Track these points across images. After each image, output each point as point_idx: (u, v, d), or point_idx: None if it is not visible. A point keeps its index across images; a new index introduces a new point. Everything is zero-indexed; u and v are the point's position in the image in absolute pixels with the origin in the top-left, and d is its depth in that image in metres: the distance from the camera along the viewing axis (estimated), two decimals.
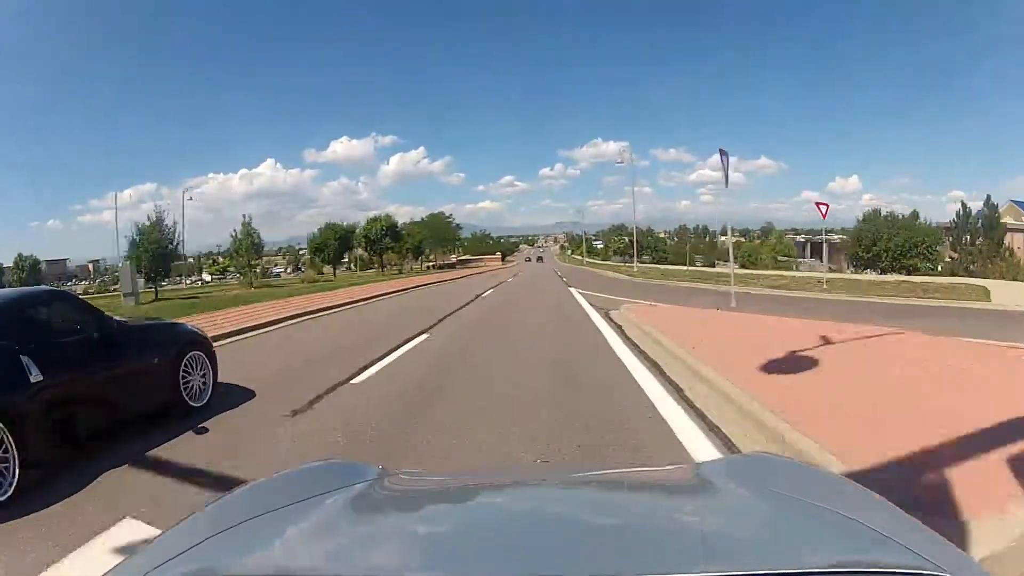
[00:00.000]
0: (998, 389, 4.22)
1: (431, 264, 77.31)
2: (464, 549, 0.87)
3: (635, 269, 40.93)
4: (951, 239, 40.03)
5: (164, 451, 4.07)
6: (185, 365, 4.89)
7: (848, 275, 31.08)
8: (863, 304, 15.11)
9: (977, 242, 37.20)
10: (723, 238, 72.28)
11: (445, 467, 3.56)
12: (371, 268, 66.30)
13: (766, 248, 69.21)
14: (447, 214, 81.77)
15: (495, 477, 1.54)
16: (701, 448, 3.69)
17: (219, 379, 5.40)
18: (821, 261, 33.53)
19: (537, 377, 6.04)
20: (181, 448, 4.15)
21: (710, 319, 10.11)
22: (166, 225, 30.38)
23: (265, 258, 63.79)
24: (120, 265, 30.18)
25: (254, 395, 5.58)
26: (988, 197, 38.31)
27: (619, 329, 9.43)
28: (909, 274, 28.98)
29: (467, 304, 15.68)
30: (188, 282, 52.40)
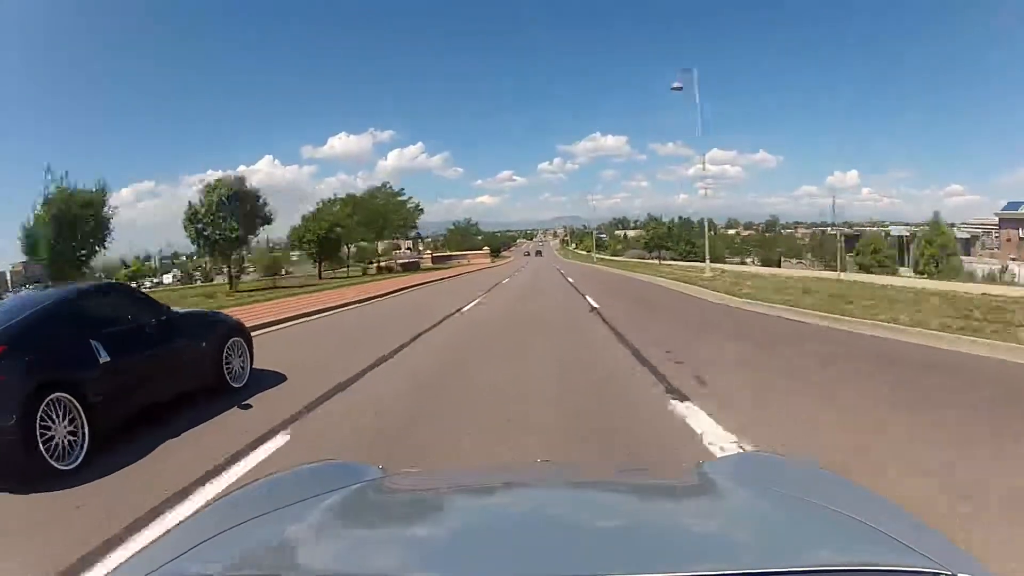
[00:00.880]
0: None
1: (378, 264, 50.28)
2: (464, 549, 0.87)
3: (711, 276, 19.68)
4: None
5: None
6: (227, 350, 5.44)
7: None
8: None
9: None
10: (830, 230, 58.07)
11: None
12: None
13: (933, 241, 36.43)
14: (395, 188, 53.93)
15: (495, 477, 1.54)
16: None
17: None
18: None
19: None
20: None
21: None
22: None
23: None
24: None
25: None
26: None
27: None
28: None
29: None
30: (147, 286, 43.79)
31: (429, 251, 73.07)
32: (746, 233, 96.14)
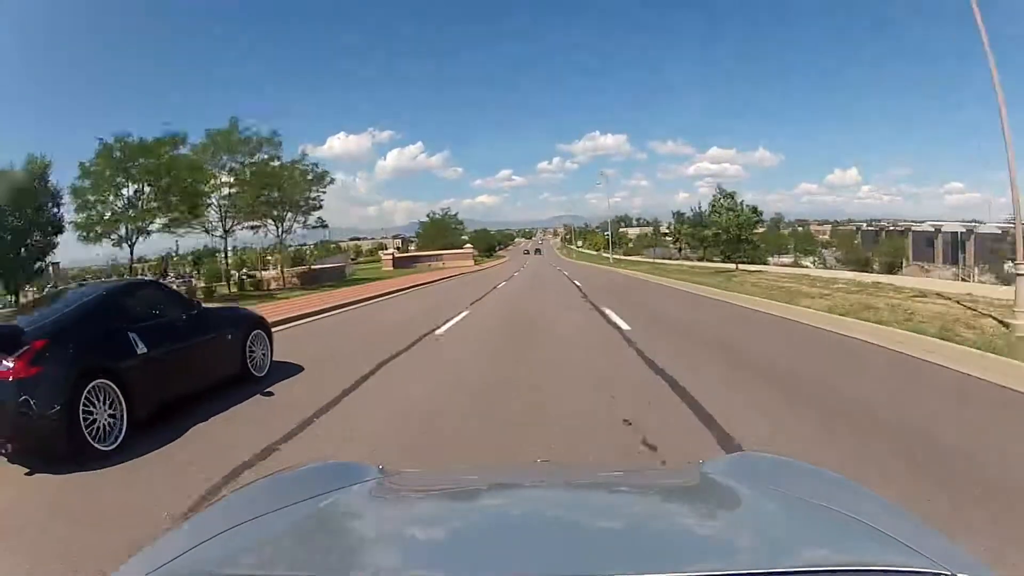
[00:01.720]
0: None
1: (250, 276, 31.48)
2: (464, 549, 0.87)
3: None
4: None
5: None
6: (250, 342, 5.80)
7: None
8: None
9: None
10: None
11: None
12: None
13: None
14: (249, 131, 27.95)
15: (495, 477, 1.55)
16: None
17: None
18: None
19: None
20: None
21: None
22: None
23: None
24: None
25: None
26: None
27: None
28: None
29: None
30: None
31: (392, 251, 54.65)
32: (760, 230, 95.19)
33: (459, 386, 5.52)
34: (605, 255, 61.77)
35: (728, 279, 18.12)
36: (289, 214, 29.84)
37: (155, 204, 23.07)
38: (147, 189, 22.98)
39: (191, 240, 30.28)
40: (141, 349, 4.44)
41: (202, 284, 31.24)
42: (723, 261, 28.27)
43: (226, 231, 27.50)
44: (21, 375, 3.81)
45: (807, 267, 36.86)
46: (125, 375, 4.26)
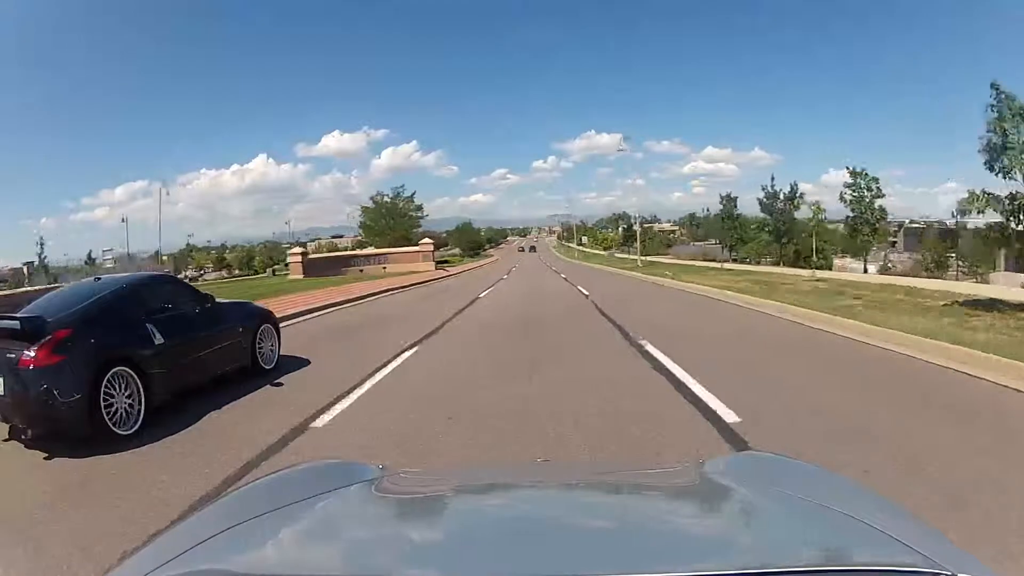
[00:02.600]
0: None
1: None
2: (464, 549, 0.87)
3: None
4: None
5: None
6: (260, 335, 5.97)
7: None
8: None
9: None
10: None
11: None
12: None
13: None
14: None
15: (495, 477, 1.55)
16: None
17: None
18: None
19: None
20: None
21: None
22: None
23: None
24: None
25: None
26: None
27: None
28: None
29: None
30: None
31: (299, 254, 35.26)
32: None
33: None
34: (619, 255, 55.67)
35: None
36: None
37: None
38: None
39: None
40: (158, 339, 4.61)
41: None
42: (793, 264, 23.26)
43: None
44: (43, 363, 3.98)
45: (892, 273, 26.69)
46: (143, 364, 4.43)
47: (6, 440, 4.26)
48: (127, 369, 4.30)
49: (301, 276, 32.50)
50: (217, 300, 5.76)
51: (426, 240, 41.09)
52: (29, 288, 18.51)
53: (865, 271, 26.38)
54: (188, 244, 64.28)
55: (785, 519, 0.98)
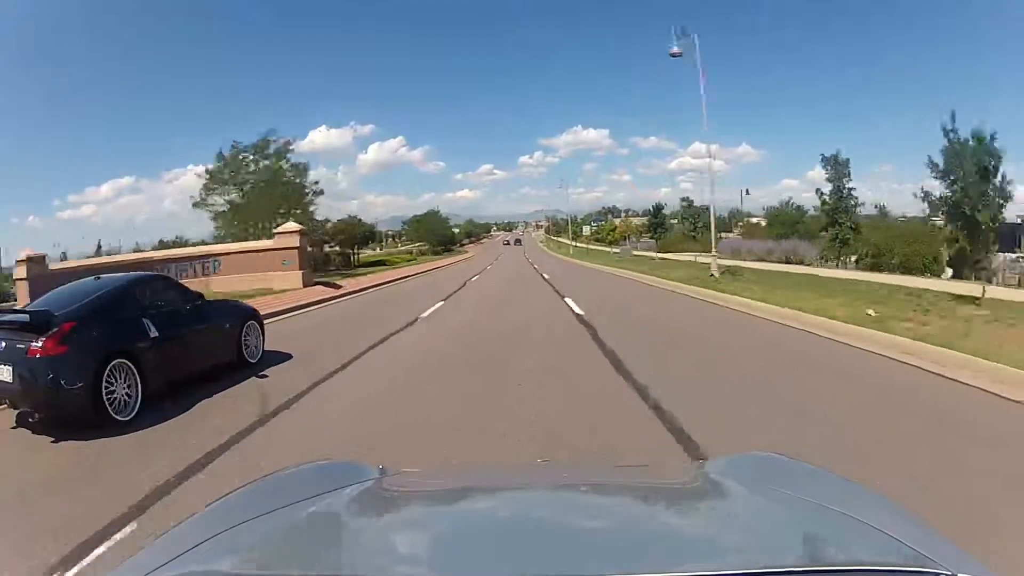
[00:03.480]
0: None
1: None
2: (464, 549, 0.87)
3: None
4: None
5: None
6: (245, 331, 6.46)
7: None
8: None
9: None
10: None
11: None
12: None
13: None
14: None
15: (495, 477, 1.55)
16: None
17: None
18: None
19: None
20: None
21: None
22: None
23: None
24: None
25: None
26: None
27: None
28: None
29: None
30: None
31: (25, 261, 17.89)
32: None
33: None
34: (639, 253, 40.03)
35: None
36: None
37: None
38: None
39: None
40: (153, 333, 5.10)
41: None
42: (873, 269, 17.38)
43: None
44: (51, 353, 4.45)
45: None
46: (140, 355, 4.91)
47: (14, 428, 4.72)
48: (126, 360, 4.78)
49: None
50: (206, 299, 6.25)
51: (288, 228, 21.24)
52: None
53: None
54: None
55: (785, 519, 0.98)
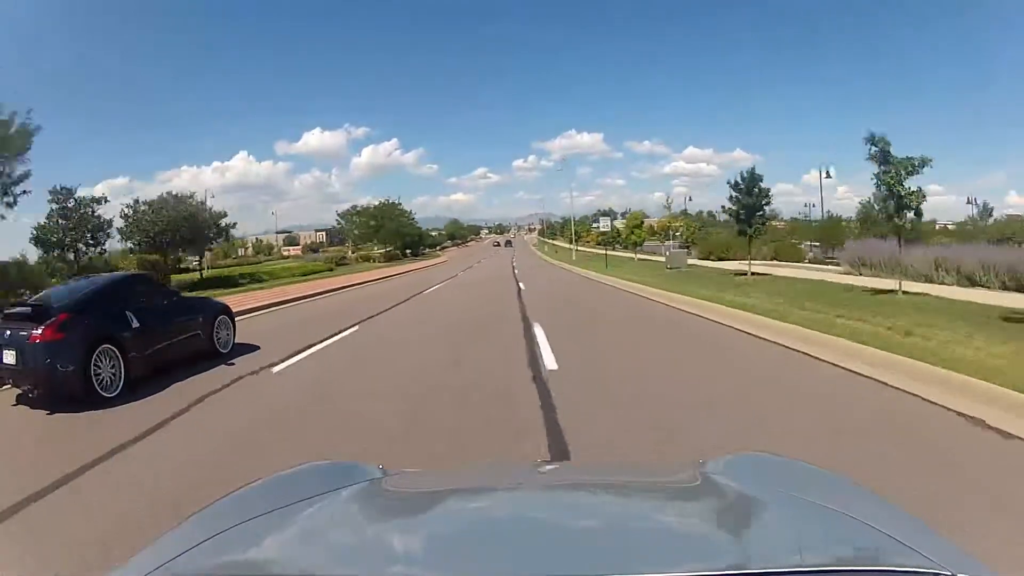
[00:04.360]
0: None
1: None
2: (464, 549, 0.88)
3: None
4: None
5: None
6: (217, 324, 7.42)
7: None
8: None
9: None
10: None
11: None
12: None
13: None
14: None
15: (495, 477, 1.56)
16: None
17: None
18: None
19: None
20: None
21: None
22: None
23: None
24: None
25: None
26: None
27: None
28: None
29: None
30: None
31: None
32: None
33: None
34: (658, 259, 27.66)
35: None
36: None
37: None
38: None
39: None
40: (135, 324, 6.05)
41: None
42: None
43: None
44: (48, 339, 5.39)
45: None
46: (123, 342, 5.86)
47: (14, 405, 5.65)
48: (111, 346, 5.73)
49: None
50: (183, 295, 7.21)
51: None
52: None
53: None
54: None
55: (785, 519, 0.98)
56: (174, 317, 6.77)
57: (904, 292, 10.27)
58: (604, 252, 34.03)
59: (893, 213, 10.01)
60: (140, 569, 0.82)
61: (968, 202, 32.56)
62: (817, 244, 30.47)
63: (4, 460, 4.25)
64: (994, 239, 24.38)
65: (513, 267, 31.23)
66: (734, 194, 16.25)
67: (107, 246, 26.24)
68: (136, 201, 28.23)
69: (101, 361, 5.62)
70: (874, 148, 10.02)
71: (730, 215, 17.00)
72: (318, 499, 1.10)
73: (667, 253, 25.98)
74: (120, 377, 5.77)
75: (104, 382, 5.61)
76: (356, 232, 62.65)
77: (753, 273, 16.34)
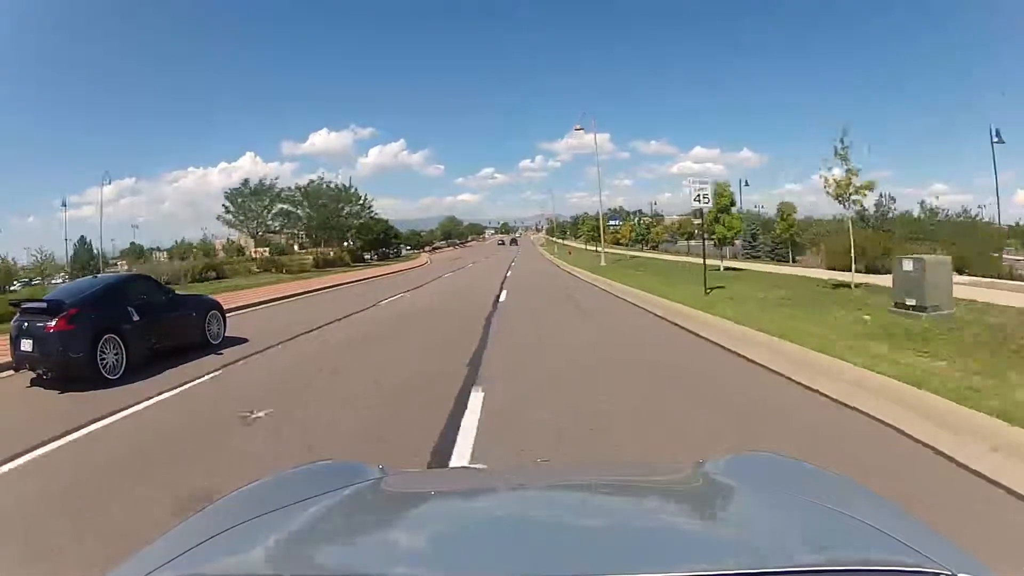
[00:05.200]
0: None
1: None
2: (464, 549, 0.88)
3: None
4: None
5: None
6: (208, 318, 8.36)
7: None
8: None
9: None
10: None
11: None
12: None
13: None
14: None
15: (495, 478, 1.56)
16: None
17: None
18: None
19: None
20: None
21: None
22: None
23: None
24: None
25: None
26: None
27: None
28: None
29: None
30: None
31: None
32: None
33: None
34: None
35: None
36: None
37: None
38: None
39: None
40: (135, 318, 6.99)
41: None
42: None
43: None
44: (61, 329, 6.34)
45: None
46: (125, 333, 6.81)
47: (29, 386, 6.59)
48: (115, 335, 6.67)
49: None
50: (177, 292, 8.16)
51: None
52: None
53: None
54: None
55: (785, 519, 0.97)
56: (170, 312, 7.73)
57: None
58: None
59: None
60: (141, 568, 0.82)
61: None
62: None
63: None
64: None
65: (499, 296, 15.26)
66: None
67: None
68: None
69: (106, 348, 6.56)
70: None
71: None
72: (318, 499, 1.10)
73: (904, 270, 8.46)
74: (122, 362, 6.71)
75: (108, 366, 6.55)
76: (254, 224, 43.89)
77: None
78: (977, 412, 3.74)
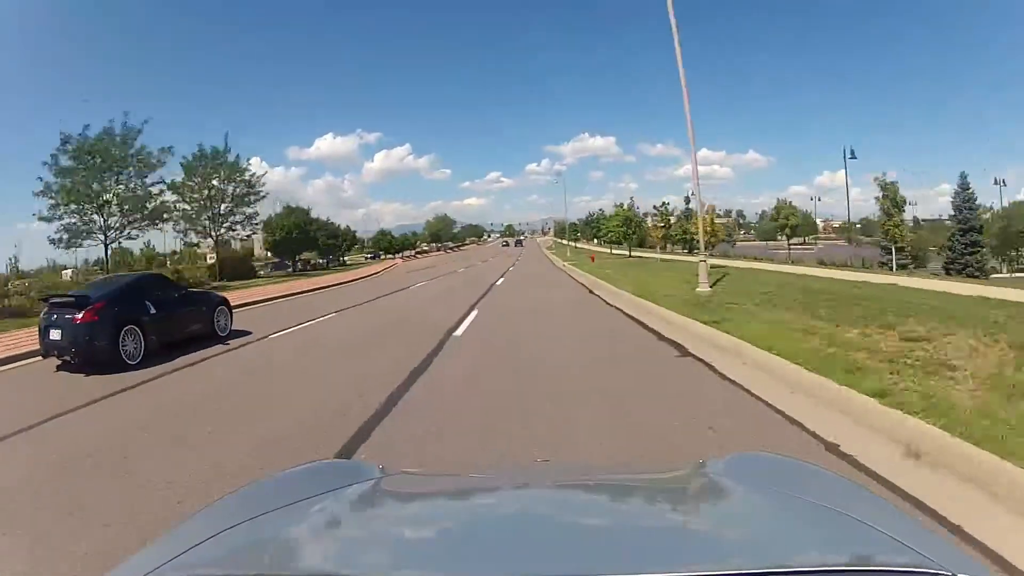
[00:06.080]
0: None
1: None
2: (464, 549, 0.88)
3: None
4: None
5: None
6: (217, 313, 9.19)
7: None
8: None
9: None
10: None
11: None
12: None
13: None
14: None
15: (495, 478, 1.56)
16: None
17: None
18: None
19: None
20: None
21: None
22: None
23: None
24: None
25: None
26: None
27: None
28: None
29: None
30: None
31: None
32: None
33: None
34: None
35: None
36: None
37: None
38: None
39: None
40: (152, 311, 7.84)
41: None
42: None
43: None
44: (87, 320, 7.18)
45: None
46: (143, 324, 7.65)
47: (57, 370, 7.41)
48: (134, 327, 7.50)
49: None
50: (190, 290, 9.01)
51: None
52: None
53: None
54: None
55: (785, 519, 0.99)
56: (183, 306, 8.57)
57: None
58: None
59: None
60: (142, 567, 0.82)
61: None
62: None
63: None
64: None
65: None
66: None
67: None
68: None
69: (127, 338, 7.39)
70: None
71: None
72: (318, 499, 1.10)
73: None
74: (141, 350, 7.54)
75: (128, 354, 7.38)
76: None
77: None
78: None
